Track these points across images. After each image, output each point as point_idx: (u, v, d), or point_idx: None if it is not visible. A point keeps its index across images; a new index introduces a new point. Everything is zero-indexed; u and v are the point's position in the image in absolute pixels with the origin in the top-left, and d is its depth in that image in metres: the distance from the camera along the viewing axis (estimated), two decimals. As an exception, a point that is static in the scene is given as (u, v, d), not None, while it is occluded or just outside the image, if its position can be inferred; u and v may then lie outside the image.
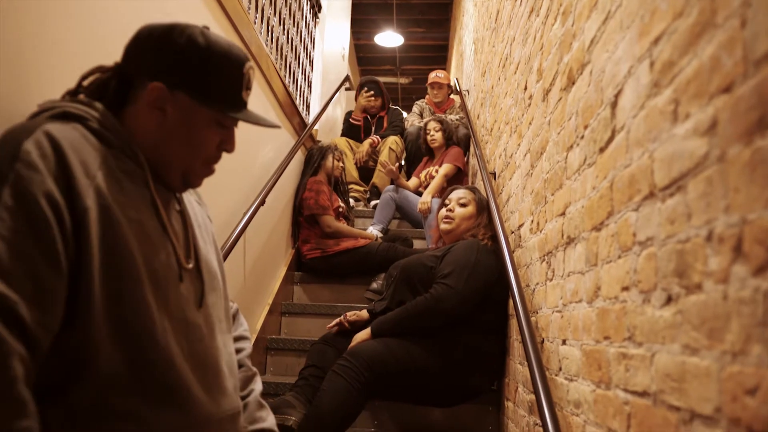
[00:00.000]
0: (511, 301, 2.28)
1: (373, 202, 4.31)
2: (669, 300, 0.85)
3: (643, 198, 0.96)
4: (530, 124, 1.98)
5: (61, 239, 0.81)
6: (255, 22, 2.67)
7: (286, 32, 3.35)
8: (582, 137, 1.34)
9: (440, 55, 9.37)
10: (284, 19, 3.29)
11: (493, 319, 2.29)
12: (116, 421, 0.85)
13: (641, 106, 0.98)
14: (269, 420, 1.18)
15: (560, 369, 1.44)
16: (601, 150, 1.19)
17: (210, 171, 1.06)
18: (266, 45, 2.80)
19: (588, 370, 1.21)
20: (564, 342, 1.42)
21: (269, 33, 2.96)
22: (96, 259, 0.84)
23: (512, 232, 2.23)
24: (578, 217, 1.35)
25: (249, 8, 2.56)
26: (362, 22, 8.10)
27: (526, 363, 1.89)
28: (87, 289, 0.83)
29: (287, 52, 3.39)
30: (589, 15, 1.32)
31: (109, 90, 0.99)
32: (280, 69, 3.13)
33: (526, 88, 2.08)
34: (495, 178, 2.74)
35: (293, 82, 3.56)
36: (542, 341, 1.64)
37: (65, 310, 0.82)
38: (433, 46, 9.25)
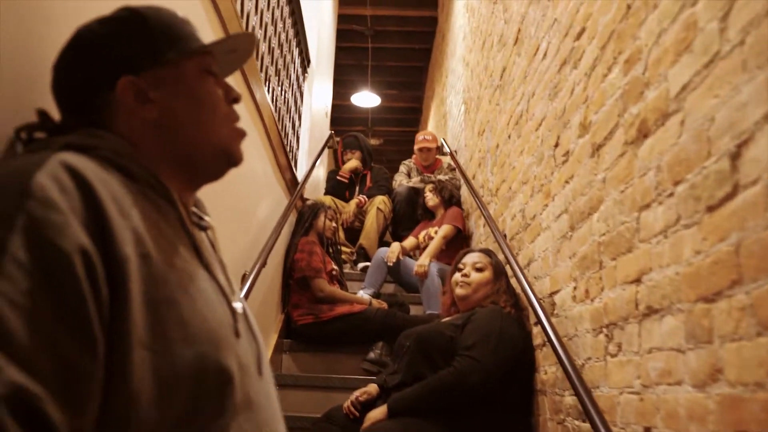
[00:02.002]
0: (537, 376, 2.08)
1: (360, 265, 4.10)
2: None
3: (810, 265, 0.79)
4: (566, 182, 1.83)
5: (95, 306, 0.57)
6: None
7: (280, 84, 3.20)
8: (670, 194, 1.18)
9: (413, 117, 9.39)
10: (279, 69, 3.14)
11: (516, 396, 2.09)
12: None
13: (796, 156, 0.83)
14: None
15: (643, 462, 1.24)
16: (710, 208, 1.04)
17: (241, 132, 0.85)
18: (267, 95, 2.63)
19: (706, 470, 1.01)
20: (648, 431, 1.23)
21: (266, 83, 2.80)
22: (139, 327, 0.60)
23: (541, 299, 2.05)
24: (668, 286, 1.18)
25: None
26: (339, 82, 8.08)
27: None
28: (122, 369, 0.59)
29: (281, 104, 3.23)
30: (675, 60, 1.19)
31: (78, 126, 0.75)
32: (276, 121, 2.95)
33: (557, 145, 1.95)
34: (506, 241, 2.58)
35: (285, 137, 3.39)
36: (605, 426, 1.44)
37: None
38: (405, 108, 9.28)
